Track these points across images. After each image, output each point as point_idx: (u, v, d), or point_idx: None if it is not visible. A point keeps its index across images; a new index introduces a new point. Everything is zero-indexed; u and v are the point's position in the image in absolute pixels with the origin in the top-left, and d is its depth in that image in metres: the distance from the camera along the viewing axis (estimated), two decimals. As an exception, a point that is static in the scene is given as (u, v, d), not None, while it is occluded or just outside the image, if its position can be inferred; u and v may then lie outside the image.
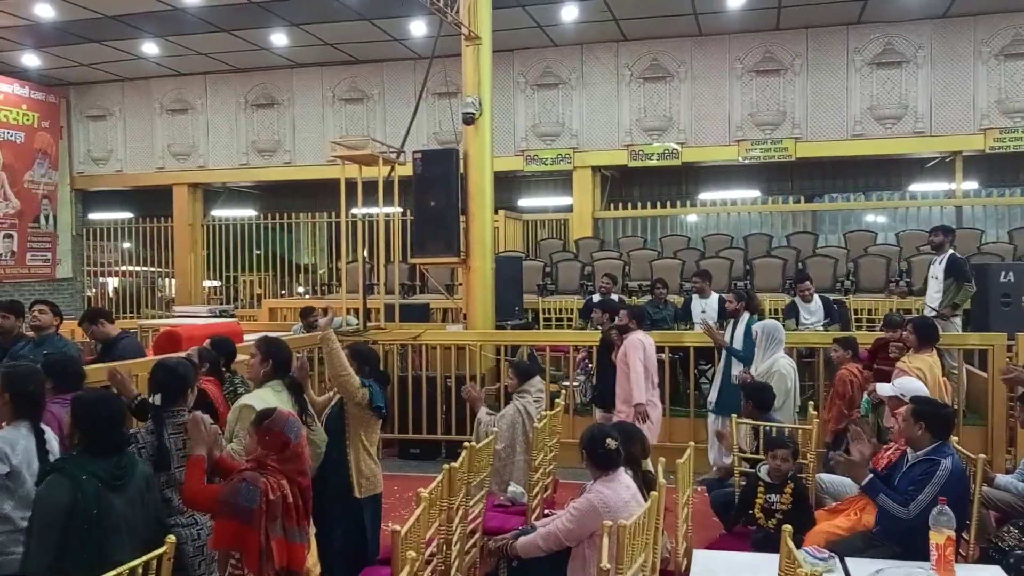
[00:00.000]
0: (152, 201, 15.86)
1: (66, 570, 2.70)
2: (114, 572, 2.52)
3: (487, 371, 8.16)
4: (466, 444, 4.01)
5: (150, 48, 13.16)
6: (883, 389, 5.86)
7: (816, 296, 8.16)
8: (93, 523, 2.78)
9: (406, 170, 8.82)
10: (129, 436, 3.23)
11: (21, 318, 5.59)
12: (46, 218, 14.66)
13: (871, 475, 4.00)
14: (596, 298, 9.35)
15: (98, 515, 2.81)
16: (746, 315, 6.90)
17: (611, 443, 3.56)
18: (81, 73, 14.62)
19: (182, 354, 4.39)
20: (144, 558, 2.64)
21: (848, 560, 3.51)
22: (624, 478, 3.57)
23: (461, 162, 8.42)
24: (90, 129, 15.54)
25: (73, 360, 4.02)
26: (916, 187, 13.85)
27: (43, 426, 3.35)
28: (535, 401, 5.37)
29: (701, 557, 3.75)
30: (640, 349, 6.23)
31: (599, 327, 7.14)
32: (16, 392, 3.28)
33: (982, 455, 4.06)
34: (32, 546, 2.76)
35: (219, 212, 15.95)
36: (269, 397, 3.88)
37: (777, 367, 6.18)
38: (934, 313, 7.31)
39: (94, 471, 2.88)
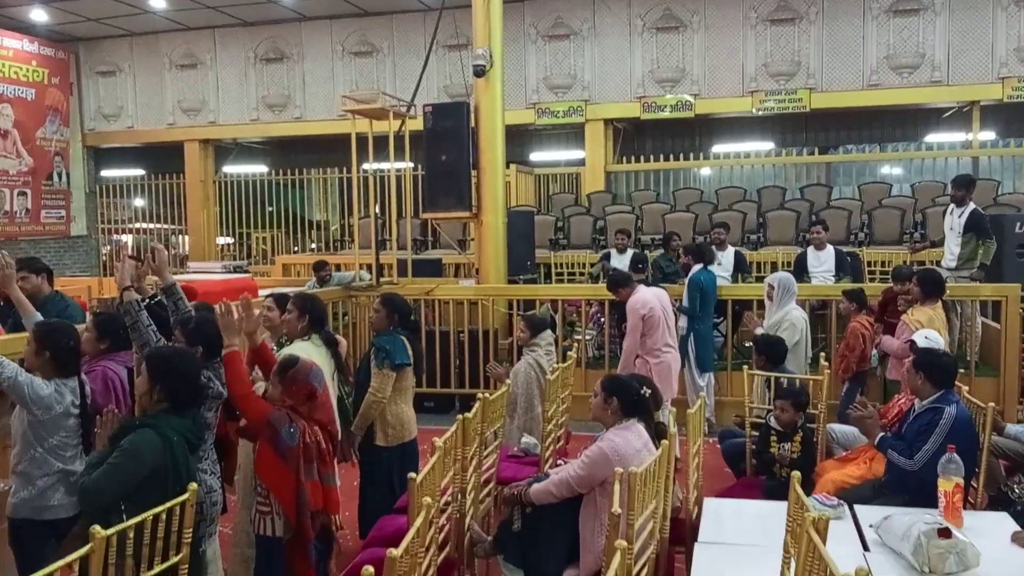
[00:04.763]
0: (164, 157, 15.86)
1: (120, 512, 2.75)
2: (139, 517, 2.59)
3: (499, 326, 8.21)
4: (479, 396, 4.06)
5: (157, 2, 13.06)
6: (887, 344, 5.92)
7: (830, 247, 8.13)
8: (176, 483, 2.85)
9: (417, 124, 8.77)
10: (206, 389, 3.28)
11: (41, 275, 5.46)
12: (59, 175, 14.70)
13: (881, 432, 4.03)
14: (612, 253, 9.34)
15: (184, 477, 2.89)
16: (696, 267, 6.97)
17: (646, 391, 3.71)
18: (89, 28, 14.53)
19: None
20: (169, 504, 2.72)
21: (857, 507, 3.56)
22: (637, 427, 3.62)
23: (472, 115, 8.36)
24: (100, 85, 15.49)
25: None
26: (932, 138, 13.67)
27: (83, 377, 3.43)
28: (545, 354, 5.43)
29: (712, 505, 3.81)
30: (636, 313, 6.11)
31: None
32: (57, 349, 3.30)
33: (992, 403, 4.08)
34: (103, 475, 2.80)
35: (230, 168, 15.94)
36: (311, 350, 3.97)
37: (789, 318, 6.23)
38: (968, 279, 7.23)
39: (182, 430, 2.94)
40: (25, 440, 3.27)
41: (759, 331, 6.31)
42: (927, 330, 5.30)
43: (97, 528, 2.39)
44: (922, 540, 2.90)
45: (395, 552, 2.30)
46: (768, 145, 14.33)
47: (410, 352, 4.49)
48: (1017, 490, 4.06)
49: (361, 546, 4.00)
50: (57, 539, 3.18)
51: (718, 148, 14.53)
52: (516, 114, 12.36)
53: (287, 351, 3.90)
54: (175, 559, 2.78)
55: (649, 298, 6.13)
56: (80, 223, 15.40)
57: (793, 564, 2.57)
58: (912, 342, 5.07)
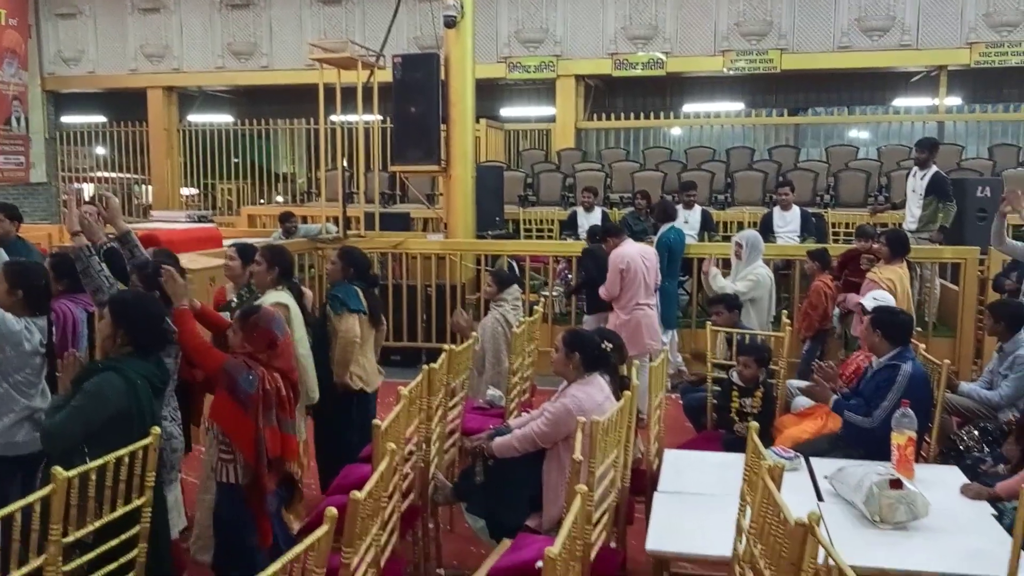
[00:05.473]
0: (126, 104, 15.45)
1: (83, 454, 2.74)
2: (101, 460, 2.59)
3: (467, 281, 8.21)
4: (445, 348, 4.07)
5: (119, -57, 12.66)
6: (854, 301, 6.03)
7: (796, 208, 8.21)
8: (140, 426, 2.84)
9: (386, 76, 8.65)
10: (171, 334, 3.26)
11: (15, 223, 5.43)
12: (17, 120, 14.29)
13: (835, 396, 4.11)
14: (579, 211, 9.35)
15: (148, 420, 2.88)
16: (665, 226, 7.02)
17: (607, 345, 3.79)
18: (48, -32, 14.08)
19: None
20: (131, 447, 2.71)
21: (812, 459, 3.65)
22: (600, 381, 3.66)
23: (442, 68, 8.26)
24: (60, 28, 15.01)
25: None
26: (900, 102, 13.78)
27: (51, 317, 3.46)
28: (512, 309, 5.45)
29: (672, 456, 3.88)
30: (615, 267, 6.12)
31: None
32: (29, 288, 3.32)
33: (947, 360, 4.18)
34: (66, 418, 2.79)
35: (195, 118, 15.60)
36: (287, 301, 3.98)
37: (755, 274, 6.35)
38: (927, 240, 7.34)
39: (146, 374, 2.93)
40: None
41: (712, 273, 6.45)
42: (876, 291, 5.40)
43: (59, 469, 2.38)
44: (874, 490, 2.99)
45: (359, 495, 2.32)
46: (738, 106, 14.36)
47: (364, 302, 4.53)
48: (966, 438, 4.18)
49: (325, 494, 4.03)
50: (24, 476, 3.20)
51: (689, 107, 14.53)
52: (487, 68, 12.19)
53: (267, 300, 3.90)
54: (138, 502, 2.78)
55: (631, 253, 6.08)
56: (40, 170, 15.01)
57: (749, 511, 2.64)
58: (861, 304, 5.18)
